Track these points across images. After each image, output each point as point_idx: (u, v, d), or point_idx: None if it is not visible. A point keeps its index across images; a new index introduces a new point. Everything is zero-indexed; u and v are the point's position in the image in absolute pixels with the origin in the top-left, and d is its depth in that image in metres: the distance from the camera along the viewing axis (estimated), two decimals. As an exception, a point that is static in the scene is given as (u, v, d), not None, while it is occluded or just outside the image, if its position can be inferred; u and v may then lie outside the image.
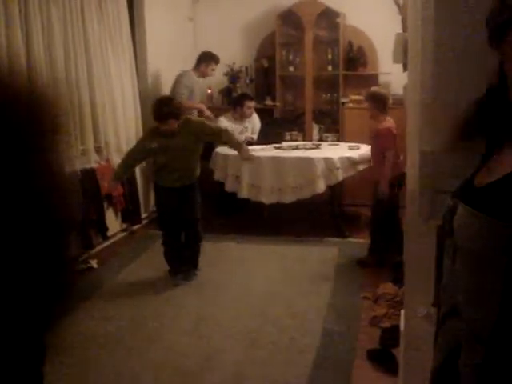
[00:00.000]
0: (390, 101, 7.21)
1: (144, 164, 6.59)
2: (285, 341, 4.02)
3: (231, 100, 7.73)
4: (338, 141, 7.37)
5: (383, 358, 3.73)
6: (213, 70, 7.07)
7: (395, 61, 2.31)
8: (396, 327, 4.04)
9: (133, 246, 6.14)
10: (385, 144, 5.25)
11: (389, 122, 5.32)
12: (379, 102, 5.33)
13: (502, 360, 1.07)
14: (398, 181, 5.19)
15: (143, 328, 4.26)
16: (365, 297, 4.70)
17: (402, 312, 3.03)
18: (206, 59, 6.99)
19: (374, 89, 5.64)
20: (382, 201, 5.26)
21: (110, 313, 4.53)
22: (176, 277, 5.15)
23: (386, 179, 5.20)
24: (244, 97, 7.08)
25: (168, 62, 7.24)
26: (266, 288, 4.97)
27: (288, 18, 7.64)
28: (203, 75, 7.02)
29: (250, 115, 7.01)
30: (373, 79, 7.60)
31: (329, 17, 7.51)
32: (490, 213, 1.03)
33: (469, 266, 1.15)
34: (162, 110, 4.76)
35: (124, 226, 6.36)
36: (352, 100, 7.48)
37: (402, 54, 2.19)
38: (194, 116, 6.38)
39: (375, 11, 7.25)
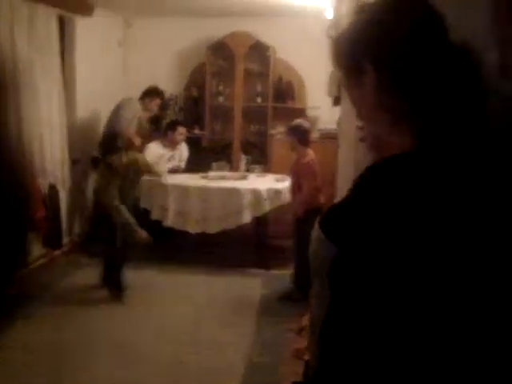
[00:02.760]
0: (317, 135, 7.40)
1: (69, 185, 6.46)
2: (209, 372, 3.98)
3: (160, 127, 7.68)
4: (265, 172, 7.42)
5: (306, 390, 3.72)
6: (156, 105, 7.05)
7: (329, 94, 2.35)
8: (319, 359, 4.05)
9: (52, 272, 5.95)
10: (302, 176, 5.30)
11: (309, 155, 5.38)
12: (302, 135, 5.35)
13: None
14: (316, 212, 5.27)
15: (62, 357, 4.13)
16: (289, 328, 4.70)
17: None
18: (152, 94, 6.95)
19: (297, 121, 5.60)
20: (302, 233, 5.19)
21: (27, 338, 4.38)
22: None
23: (303, 205, 5.22)
24: (177, 123, 7.08)
25: (97, 85, 7.13)
26: (190, 318, 4.92)
27: (219, 49, 7.69)
28: (146, 109, 6.96)
29: (181, 142, 7.00)
30: (301, 113, 7.72)
31: (259, 50, 7.60)
32: (325, 230, 1.10)
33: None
34: (113, 143, 5.43)
35: (44, 251, 6.16)
36: (280, 132, 7.55)
37: (336, 88, 2.23)
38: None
39: (305, 46, 7.38)
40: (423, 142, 1.08)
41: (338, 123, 2.41)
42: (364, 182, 1.09)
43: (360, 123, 1.40)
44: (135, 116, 6.85)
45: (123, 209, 5.35)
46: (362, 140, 1.31)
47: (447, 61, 1.08)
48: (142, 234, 5.40)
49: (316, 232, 1.15)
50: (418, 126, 1.09)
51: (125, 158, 5.41)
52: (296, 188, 5.38)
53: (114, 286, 5.34)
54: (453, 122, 1.08)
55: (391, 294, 0.99)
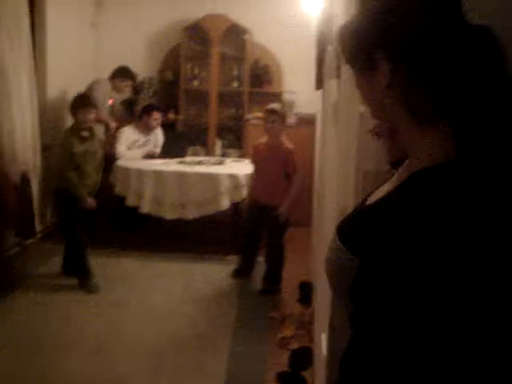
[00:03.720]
0: (293, 119, 7.32)
1: (39, 173, 6.28)
2: (191, 364, 3.86)
3: (134, 111, 7.52)
4: (241, 157, 7.31)
5: (293, 380, 3.65)
6: (127, 86, 6.89)
7: (330, 76, 2.24)
8: (305, 348, 3.98)
9: (26, 261, 5.76)
10: (294, 165, 5.11)
11: (288, 140, 5.22)
12: (284, 119, 5.22)
13: None
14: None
15: (39, 352, 3.96)
16: (271, 317, 4.61)
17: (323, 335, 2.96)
18: (122, 75, 6.78)
19: (279, 104, 5.47)
20: (281, 225, 5.14)
21: (1, 336, 4.18)
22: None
23: (292, 202, 5.08)
24: (152, 107, 6.88)
25: (68, 68, 6.94)
26: (170, 308, 4.79)
27: (194, 31, 7.53)
28: (117, 90, 6.80)
29: (156, 127, 6.82)
30: (277, 97, 7.62)
31: (236, 33, 7.46)
32: (348, 241, 1.01)
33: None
34: (80, 98, 5.20)
35: (17, 240, 5.97)
36: (256, 116, 7.44)
37: (336, 70, 2.12)
38: (100, 129, 6.28)
39: (281, 30, 7.28)
40: (459, 147, 0.98)
41: (334, 108, 2.30)
42: (405, 193, 0.98)
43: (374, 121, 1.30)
44: (106, 97, 6.71)
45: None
46: (375, 134, 1.20)
47: (469, 44, 0.97)
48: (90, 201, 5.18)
49: (334, 242, 1.06)
50: (444, 123, 0.99)
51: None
52: (280, 177, 5.15)
53: (80, 274, 5.18)
54: (485, 118, 0.98)
55: (426, 313, 0.90)
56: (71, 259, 5.31)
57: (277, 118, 5.08)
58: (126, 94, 7.10)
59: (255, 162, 5.35)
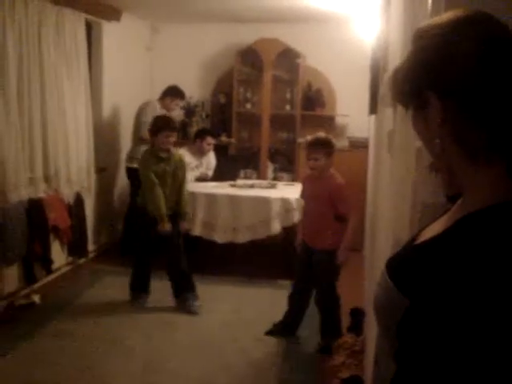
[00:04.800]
0: (346, 143, 7.28)
1: (94, 195, 6.38)
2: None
3: (186, 134, 7.59)
4: (293, 181, 7.28)
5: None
6: (177, 105, 6.97)
7: (385, 105, 2.21)
8: (355, 377, 3.90)
9: (78, 281, 5.85)
10: (348, 204, 4.41)
11: (337, 174, 4.51)
12: (330, 152, 4.39)
13: None
14: None
15: (87, 373, 3.99)
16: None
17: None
18: (173, 94, 6.87)
19: (323, 133, 4.51)
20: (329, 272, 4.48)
21: (51, 355, 4.24)
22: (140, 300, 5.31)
23: (349, 246, 4.42)
24: (206, 132, 6.91)
25: (123, 91, 7.08)
26: (219, 332, 4.78)
27: (248, 55, 7.56)
28: (167, 109, 6.88)
29: (209, 151, 6.86)
30: (330, 120, 7.58)
31: (289, 57, 7.46)
32: (397, 279, 1.01)
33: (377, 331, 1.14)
34: (165, 120, 5.23)
35: (70, 259, 6.07)
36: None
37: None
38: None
39: (335, 54, 7.28)
40: None
41: (390, 134, 2.26)
42: (460, 235, 0.95)
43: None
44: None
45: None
46: (433, 169, 1.18)
47: None
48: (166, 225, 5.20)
49: (383, 278, 1.06)
50: (498, 161, 0.97)
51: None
52: (323, 217, 4.44)
53: (139, 288, 5.35)
54: None
55: (473, 357, 0.87)
56: (138, 275, 5.40)
57: (321, 154, 4.33)
58: (176, 112, 7.16)
59: (303, 196, 4.79)
